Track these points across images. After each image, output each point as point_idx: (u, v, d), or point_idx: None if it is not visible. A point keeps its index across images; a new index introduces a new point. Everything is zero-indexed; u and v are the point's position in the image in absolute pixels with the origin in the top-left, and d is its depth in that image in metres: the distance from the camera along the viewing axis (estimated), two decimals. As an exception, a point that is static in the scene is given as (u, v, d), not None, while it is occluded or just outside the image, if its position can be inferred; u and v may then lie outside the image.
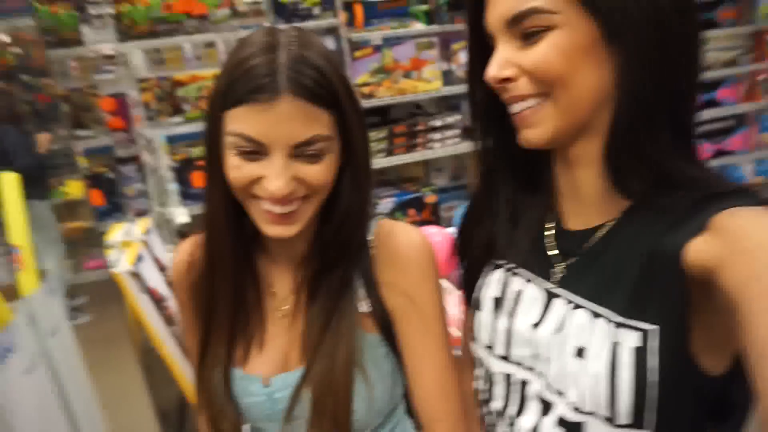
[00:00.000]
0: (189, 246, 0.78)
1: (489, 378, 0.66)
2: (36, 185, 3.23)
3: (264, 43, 0.62)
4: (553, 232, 0.65)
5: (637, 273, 0.53)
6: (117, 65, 2.88)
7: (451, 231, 2.12)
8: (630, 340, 0.52)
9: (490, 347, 0.66)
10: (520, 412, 0.62)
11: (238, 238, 0.71)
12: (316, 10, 3.11)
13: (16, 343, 1.73)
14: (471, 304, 0.72)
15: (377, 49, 3.21)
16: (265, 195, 0.63)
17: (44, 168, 3.03)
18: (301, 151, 0.62)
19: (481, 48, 0.61)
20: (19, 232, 1.95)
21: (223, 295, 0.73)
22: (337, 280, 0.72)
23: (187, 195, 2.93)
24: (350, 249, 0.72)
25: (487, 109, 0.64)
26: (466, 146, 3.41)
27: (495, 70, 0.56)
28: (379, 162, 3.33)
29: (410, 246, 0.73)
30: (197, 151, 2.93)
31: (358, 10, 3.16)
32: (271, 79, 0.59)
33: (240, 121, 0.61)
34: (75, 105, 2.75)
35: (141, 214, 2.80)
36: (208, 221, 0.72)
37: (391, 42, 3.25)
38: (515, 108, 0.58)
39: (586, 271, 0.59)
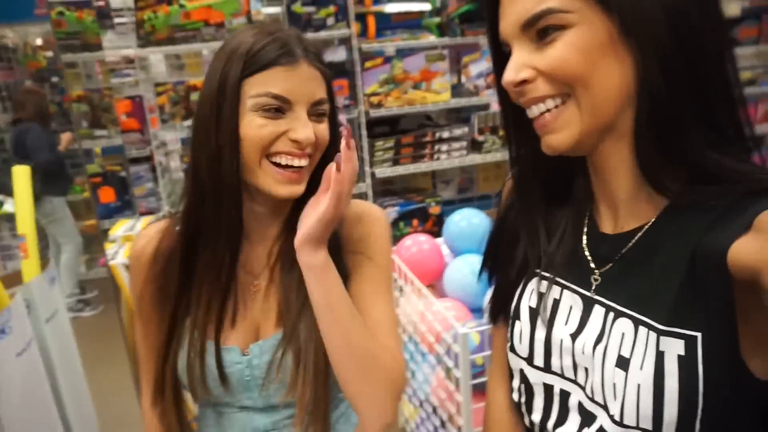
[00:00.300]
0: (153, 234, 0.82)
1: (529, 389, 0.65)
2: (55, 182, 3.39)
3: (267, 27, 0.73)
4: (589, 239, 0.63)
5: (680, 276, 0.51)
6: (136, 69, 3.00)
7: (441, 240, 2.14)
8: (675, 347, 0.50)
9: (528, 358, 0.65)
10: (560, 423, 0.61)
11: (234, 220, 0.76)
12: (330, 21, 3.18)
13: (12, 326, 1.80)
14: (503, 315, 0.72)
15: (388, 60, 3.26)
16: (287, 148, 0.71)
17: (63, 165, 3.16)
18: (315, 110, 0.73)
19: (502, 59, 0.60)
20: (26, 222, 2.05)
21: (205, 276, 0.77)
22: None
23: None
24: None
25: (515, 119, 0.63)
26: (472, 158, 3.44)
27: (511, 74, 0.55)
28: (384, 171, 3.37)
29: (370, 216, 0.85)
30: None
31: (371, 22, 3.22)
32: (290, 48, 0.71)
33: (265, 84, 0.70)
34: (93, 106, 2.88)
35: (149, 212, 2.89)
36: (213, 210, 0.75)
37: (402, 53, 3.30)
38: (534, 111, 0.57)
39: (624, 277, 0.58)
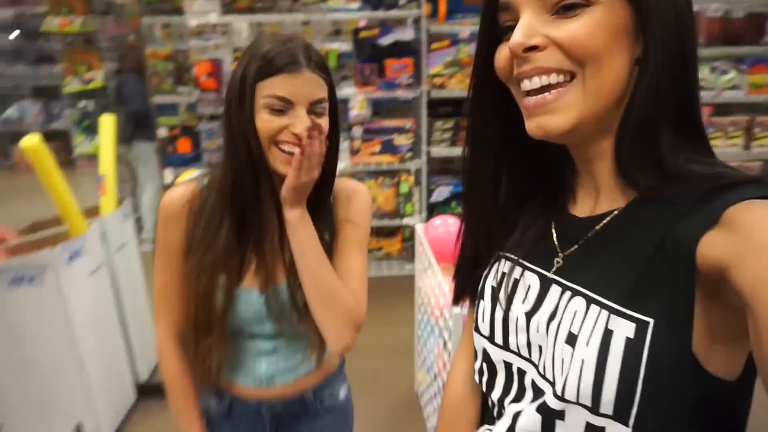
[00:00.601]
0: (183, 193, 0.98)
1: (491, 368, 0.66)
2: (144, 128, 3.78)
3: (281, 38, 0.89)
4: (558, 223, 0.63)
5: (643, 262, 0.51)
6: (216, 34, 3.26)
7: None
8: (625, 329, 0.50)
9: (489, 336, 0.65)
10: (516, 400, 0.62)
11: (256, 186, 0.92)
12: (402, 0, 3.27)
13: (86, 249, 2.13)
14: (467, 291, 0.74)
15: (454, 42, 3.32)
16: (289, 138, 0.87)
17: (150, 114, 3.53)
18: (313, 108, 0.88)
19: (491, 37, 0.58)
20: (107, 164, 2.37)
21: (233, 230, 0.94)
22: (314, 221, 0.93)
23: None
24: (323, 197, 0.98)
25: (491, 102, 0.62)
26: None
27: (521, 36, 0.51)
28: (440, 151, 3.47)
29: (356, 192, 1.01)
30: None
31: (442, 4, 3.27)
32: (295, 59, 0.86)
33: (273, 87, 0.86)
34: (178, 65, 3.19)
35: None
36: (235, 171, 0.91)
37: (472, 38, 3.33)
38: (535, 82, 0.53)
39: (587, 259, 0.57)
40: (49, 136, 7.63)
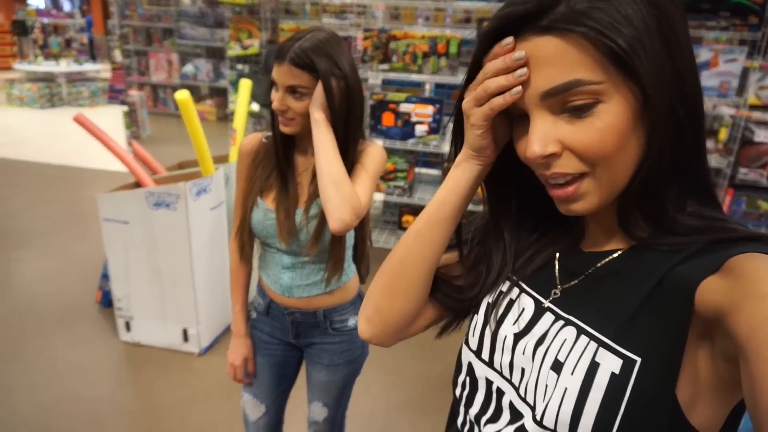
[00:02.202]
0: (252, 140, 1.33)
1: (473, 383, 0.66)
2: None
3: (289, 39, 1.15)
4: (563, 253, 0.64)
5: (639, 301, 0.51)
6: (354, 14, 3.54)
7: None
8: (612, 364, 0.50)
9: (477, 351, 0.66)
10: (492, 420, 0.62)
11: (286, 139, 1.25)
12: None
13: (211, 188, 2.56)
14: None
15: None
16: (277, 112, 1.18)
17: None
18: (290, 90, 1.15)
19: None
20: (239, 120, 2.78)
21: (277, 166, 1.26)
22: None
23: (375, 129, 3.56)
24: (346, 157, 1.20)
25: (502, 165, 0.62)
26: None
27: (538, 147, 0.51)
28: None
29: (371, 146, 1.26)
30: (392, 96, 3.49)
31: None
32: (282, 54, 1.14)
33: (273, 72, 1.16)
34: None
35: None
36: (274, 132, 1.25)
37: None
38: (551, 181, 0.54)
39: (585, 293, 0.58)
40: (214, 93, 8.68)
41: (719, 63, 3.10)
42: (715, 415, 0.50)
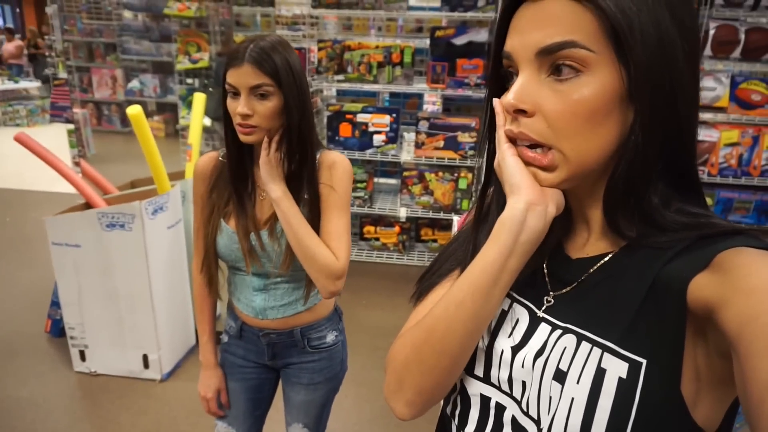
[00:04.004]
0: (207, 160, 1.27)
1: (465, 400, 0.64)
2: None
3: (241, 43, 1.11)
4: (551, 260, 0.62)
5: (637, 303, 0.51)
6: (307, 26, 3.53)
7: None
8: (618, 369, 0.50)
9: (469, 367, 0.63)
10: None
11: (242, 157, 1.20)
12: (481, 2, 3.36)
13: (168, 206, 2.48)
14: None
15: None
16: (238, 119, 1.11)
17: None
18: (254, 92, 1.09)
19: (497, 74, 0.58)
20: (194, 135, 2.71)
21: (232, 185, 1.20)
22: (296, 183, 1.17)
23: (332, 140, 3.54)
24: (304, 163, 1.17)
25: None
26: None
27: (514, 98, 0.52)
28: (503, 152, 3.52)
29: (336, 163, 1.20)
30: (349, 106, 3.49)
31: (521, 7, 3.32)
32: (239, 55, 1.09)
33: (229, 77, 1.11)
34: (268, 51, 3.52)
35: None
36: (228, 148, 1.18)
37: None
38: (519, 142, 0.54)
39: (579, 300, 0.57)
40: (162, 108, 8.47)
41: (659, 67, 3.26)
42: (715, 412, 0.50)
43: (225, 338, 1.37)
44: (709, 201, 3.41)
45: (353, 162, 3.76)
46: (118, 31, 7.68)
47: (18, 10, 14.66)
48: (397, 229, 3.82)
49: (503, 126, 0.57)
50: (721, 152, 3.30)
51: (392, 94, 4.20)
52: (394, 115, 3.46)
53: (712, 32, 3.19)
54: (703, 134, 3.28)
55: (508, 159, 0.56)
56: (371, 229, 3.87)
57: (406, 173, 3.57)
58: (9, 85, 8.46)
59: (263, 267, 1.22)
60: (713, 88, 3.27)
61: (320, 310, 1.32)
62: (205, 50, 4.89)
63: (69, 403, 2.38)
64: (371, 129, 3.49)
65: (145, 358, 2.47)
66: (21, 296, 3.23)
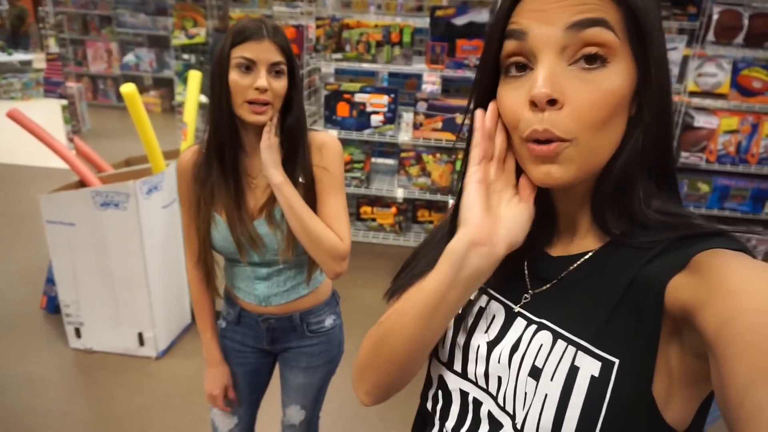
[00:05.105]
0: (191, 155, 1.22)
1: (447, 396, 0.64)
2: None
3: (251, 20, 1.09)
4: (531, 258, 0.62)
5: (613, 302, 0.51)
6: (304, 2, 3.47)
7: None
8: (591, 368, 0.50)
9: (448, 363, 0.64)
10: (471, 431, 0.61)
11: (234, 143, 1.16)
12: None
13: (163, 186, 2.46)
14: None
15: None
16: (253, 95, 1.08)
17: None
18: (272, 69, 1.08)
19: (490, 75, 0.56)
20: (189, 113, 2.68)
21: (222, 177, 1.16)
22: (290, 167, 1.15)
23: (329, 120, 3.51)
24: (297, 146, 1.17)
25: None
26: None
27: (545, 86, 0.48)
28: (502, 135, 3.50)
29: (327, 143, 1.20)
30: (347, 86, 3.45)
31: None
32: (259, 30, 1.07)
33: (242, 51, 1.07)
34: (266, 28, 3.46)
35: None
36: (217, 132, 1.13)
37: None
38: (537, 137, 0.51)
39: (557, 297, 0.57)
40: (159, 83, 8.33)
41: (661, 51, 3.22)
42: (686, 410, 0.51)
43: (222, 324, 1.37)
44: (706, 188, 3.43)
45: (350, 142, 3.75)
46: (113, 4, 7.54)
47: (11, -21, 14.35)
48: (393, 210, 3.82)
49: (478, 144, 0.55)
50: (720, 139, 3.29)
51: (391, 74, 4.15)
52: (392, 95, 3.42)
53: (715, 17, 3.15)
54: (703, 121, 3.27)
55: (469, 186, 0.55)
56: (368, 209, 3.87)
57: (403, 154, 3.55)
58: (2, 57, 8.33)
59: (264, 256, 1.20)
60: (714, 74, 3.24)
61: (320, 293, 1.33)
62: (202, 25, 4.81)
63: (65, 379, 2.40)
64: (369, 109, 3.46)
65: (140, 335, 2.48)
66: (17, 273, 3.24)
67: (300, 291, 1.28)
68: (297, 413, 1.42)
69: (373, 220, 3.87)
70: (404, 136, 3.51)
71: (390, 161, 4.09)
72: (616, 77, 0.49)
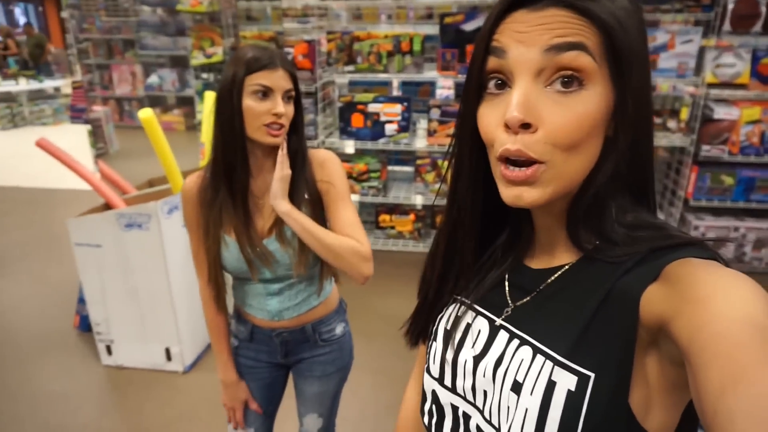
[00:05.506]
0: (195, 179, 1.25)
1: (440, 410, 0.66)
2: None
3: (260, 47, 1.16)
4: (511, 272, 0.64)
5: (588, 315, 0.52)
6: (315, 17, 3.53)
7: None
8: (567, 382, 0.51)
9: (439, 378, 0.66)
10: None
11: (245, 165, 1.20)
12: (491, -15, 3.30)
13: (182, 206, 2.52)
14: (423, 335, 0.73)
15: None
16: (270, 119, 1.15)
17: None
18: (285, 95, 1.16)
19: (475, 88, 0.56)
20: (207, 133, 2.75)
21: (229, 199, 1.20)
22: (296, 184, 1.21)
23: (344, 131, 3.56)
24: (302, 165, 1.23)
25: (473, 153, 0.59)
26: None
27: (519, 111, 0.49)
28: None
29: (327, 159, 1.26)
30: (360, 96, 3.50)
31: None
32: (273, 60, 1.14)
33: (259, 79, 1.13)
34: (279, 45, 3.53)
35: (308, 138, 3.51)
36: (226, 154, 1.17)
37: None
38: (511, 157, 0.51)
39: (536, 310, 0.59)
40: (182, 102, 8.56)
41: (676, 44, 3.18)
42: (668, 418, 0.51)
43: (235, 342, 1.41)
44: (730, 181, 3.35)
45: (366, 152, 3.79)
46: (135, 28, 7.79)
47: (41, 8, 14.97)
48: (412, 217, 3.84)
49: None
50: (742, 130, 3.21)
51: (405, 82, 4.19)
52: (405, 103, 3.45)
53: (731, 6, 3.08)
54: (723, 112, 3.20)
55: None
56: (386, 217, 3.90)
57: (419, 161, 3.57)
58: (34, 84, 8.67)
59: (275, 272, 1.25)
60: (733, 64, 3.17)
61: (330, 303, 1.37)
62: (219, 45, 4.94)
63: (98, 395, 2.49)
64: (383, 118, 3.49)
65: (167, 351, 2.56)
66: (51, 293, 3.37)
67: (311, 302, 1.32)
68: (315, 421, 1.46)
69: (392, 227, 3.90)
70: (420, 143, 3.54)
71: (407, 168, 4.12)
72: (592, 101, 0.49)
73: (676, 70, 3.21)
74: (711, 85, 3.23)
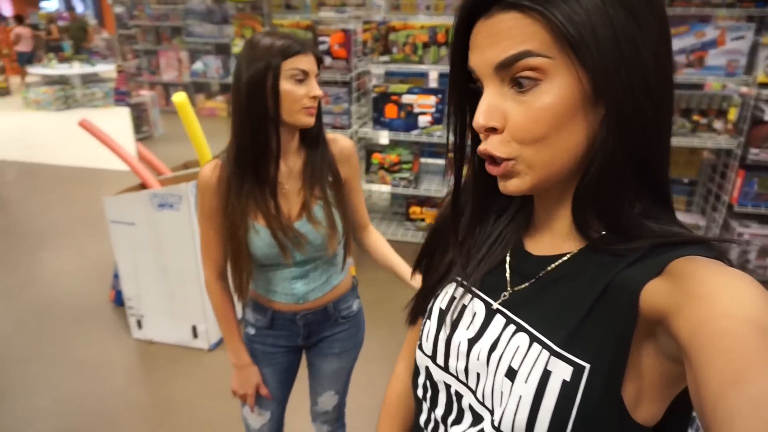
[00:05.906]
0: (213, 168, 1.24)
1: (434, 386, 0.67)
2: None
3: (279, 34, 1.18)
4: (513, 256, 0.64)
5: (587, 306, 0.53)
6: (352, 6, 3.53)
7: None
8: (563, 372, 0.52)
9: (432, 356, 0.67)
10: (457, 421, 0.64)
11: (278, 149, 1.21)
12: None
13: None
14: (421, 314, 0.74)
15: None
16: (309, 103, 1.19)
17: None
18: (318, 79, 1.21)
19: (460, 78, 0.58)
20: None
21: (256, 185, 1.21)
22: (319, 167, 1.27)
23: (378, 121, 3.56)
24: (323, 147, 1.29)
25: (463, 137, 0.62)
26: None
27: (483, 118, 0.52)
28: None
29: (352, 153, 1.37)
30: (394, 87, 3.49)
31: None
32: (305, 45, 1.19)
33: (296, 63, 1.16)
34: (315, 34, 3.54)
35: (341, 127, 3.53)
36: (257, 140, 1.17)
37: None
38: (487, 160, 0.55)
39: (535, 296, 0.59)
40: (225, 89, 8.70)
41: (726, 41, 3.03)
42: (656, 410, 0.52)
43: (252, 331, 1.40)
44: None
45: (399, 143, 3.78)
46: (183, 15, 7.98)
47: (97, -4, 15.53)
48: (442, 210, 3.81)
49: None
50: (794, 133, 3.04)
51: (443, 74, 4.15)
52: (440, 95, 3.42)
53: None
54: (773, 114, 3.03)
55: None
56: (417, 209, 3.89)
57: (449, 155, 3.53)
58: (87, 68, 9.03)
59: (307, 253, 1.27)
60: (785, 62, 3.00)
61: (347, 280, 1.44)
62: (260, 32, 5.01)
63: (127, 366, 2.60)
64: (416, 110, 3.48)
65: (194, 329, 2.64)
66: (90, 268, 3.52)
67: (332, 282, 1.37)
68: (331, 399, 1.50)
69: (422, 220, 3.89)
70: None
71: (439, 161, 4.09)
72: (551, 93, 0.50)
73: (725, 67, 3.07)
74: (762, 85, 3.06)
